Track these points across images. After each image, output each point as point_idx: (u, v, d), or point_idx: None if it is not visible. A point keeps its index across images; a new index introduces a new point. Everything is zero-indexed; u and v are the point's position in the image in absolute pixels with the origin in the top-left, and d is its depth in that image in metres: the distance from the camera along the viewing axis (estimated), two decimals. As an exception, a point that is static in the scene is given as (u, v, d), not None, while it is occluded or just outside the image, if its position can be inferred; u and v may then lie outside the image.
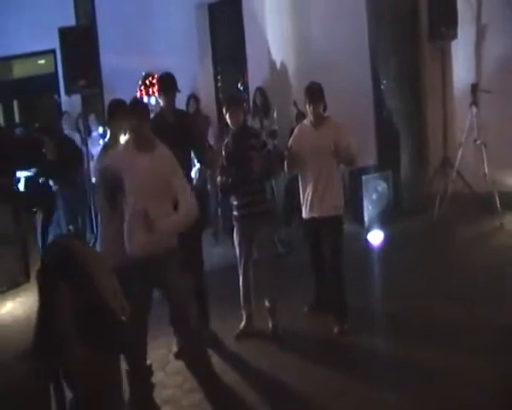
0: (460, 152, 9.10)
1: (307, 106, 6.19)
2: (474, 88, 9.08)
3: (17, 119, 13.19)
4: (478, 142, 8.94)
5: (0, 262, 8.23)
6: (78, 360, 2.87)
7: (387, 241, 8.02)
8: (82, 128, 9.54)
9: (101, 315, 2.90)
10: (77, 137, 9.61)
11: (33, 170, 9.04)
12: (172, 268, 4.97)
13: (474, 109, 8.99)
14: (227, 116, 6.14)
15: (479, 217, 8.80)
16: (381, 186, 9.31)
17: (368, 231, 8.54)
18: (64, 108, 11.14)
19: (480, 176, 8.82)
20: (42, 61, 12.53)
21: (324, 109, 6.28)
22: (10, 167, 8.54)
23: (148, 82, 10.49)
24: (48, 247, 3.95)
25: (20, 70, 13.00)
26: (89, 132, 9.57)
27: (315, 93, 6.17)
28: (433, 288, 6.67)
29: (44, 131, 9.17)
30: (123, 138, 5.40)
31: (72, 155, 9.07)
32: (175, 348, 5.93)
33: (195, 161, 7.39)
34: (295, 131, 6.42)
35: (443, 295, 6.43)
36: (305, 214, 6.33)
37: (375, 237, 7.92)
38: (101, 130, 9.63)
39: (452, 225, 8.73)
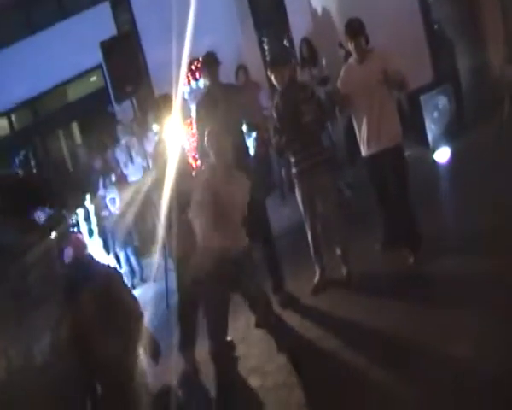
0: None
1: (349, 43, 6.04)
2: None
3: (78, 140, 13.63)
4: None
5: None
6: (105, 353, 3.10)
7: (455, 157, 7.69)
8: (137, 131, 9.72)
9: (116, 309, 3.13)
10: (133, 141, 9.80)
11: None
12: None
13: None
14: (272, 78, 6.16)
15: None
16: (442, 102, 8.91)
17: (434, 151, 8.20)
18: (119, 117, 11.40)
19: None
20: (94, 78, 12.83)
21: (367, 42, 6.08)
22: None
23: (193, 67, 10.50)
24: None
25: (74, 92, 13.33)
26: (147, 135, 9.73)
27: (354, 29, 5.98)
28: (508, 200, 6.16)
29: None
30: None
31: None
32: (253, 318, 5.98)
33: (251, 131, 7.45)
34: (341, 72, 6.27)
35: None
36: (364, 152, 6.18)
37: (442, 156, 7.61)
38: (155, 128, 9.79)
39: None
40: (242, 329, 5.92)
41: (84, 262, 4.85)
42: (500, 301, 4.59)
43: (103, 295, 4.19)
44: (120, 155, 9.90)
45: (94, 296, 4.09)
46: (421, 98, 8.86)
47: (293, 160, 6.19)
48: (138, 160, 9.52)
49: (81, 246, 6.51)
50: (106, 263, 5.81)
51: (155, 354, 4.70)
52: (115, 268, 4.99)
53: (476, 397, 3.79)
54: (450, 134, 8.63)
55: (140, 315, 4.62)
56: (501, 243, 5.43)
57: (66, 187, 10.72)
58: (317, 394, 4.57)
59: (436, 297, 5.13)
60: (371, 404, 4.22)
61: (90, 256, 6.13)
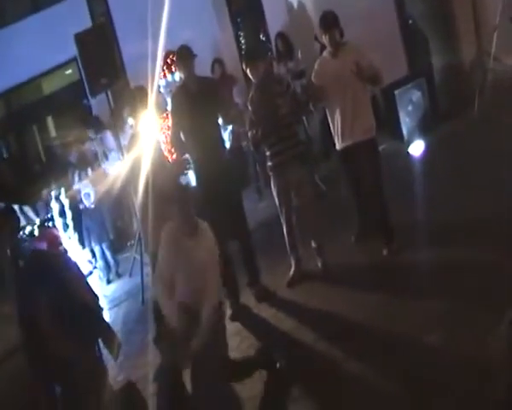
0: (495, 36, 8.62)
1: (323, 36, 6.07)
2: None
3: (53, 133, 13.48)
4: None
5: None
6: (58, 352, 3.04)
7: (429, 150, 7.78)
8: (112, 124, 9.66)
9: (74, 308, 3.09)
10: (108, 136, 9.75)
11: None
12: None
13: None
14: (248, 71, 6.15)
15: None
16: (416, 96, 8.98)
17: (408, 144, 8.27)
18: (94, 111, 11.33)
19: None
20: (69, 71, 12.71)
21: (341, 36, 6.11)
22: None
23: (169, 60, 10.45)
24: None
25: (49, 85, 13.22)
26: (122, 127, 9.67)
27: (328, 22, 6.02)
28: (481, 192, 6.29)
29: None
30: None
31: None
32: (229, 311, 6.00)
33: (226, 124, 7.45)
34: (315, 65, 6.29)
35: (493, 197, 6.03)
36: (338, 145, 6.23)
37: (416, 149, 7.68)
38: (131, 121, 9.76)
39: (495, 119, 8.09)
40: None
41: (45, 256, 4.70)
42: (473, 292, 4.65)
43: (60, 291, 4.06)
44: (97, 149, 9.85)
45: (50, 292, 3.95)
46: (396, 92, 8.92)
47: (268, 153, 6.20)
48: (114, 153, 9.46)
49: (55, 240, 6.47)
50: (72, 259, 5.68)
51: (115, 350, 4.53)
52: (76, 264, 4.83)
53: (449, 386, 3.83)
54: (424, 127, 8.72)
55: (99, 311, 4.53)
56: (473, 235, 5.52)
57: (30, 182, 10.68)
58: (291, 386, 4.57)
59: (410, 288, 5.18)
60: (347, 396, 4.24)
61: (65, 251, 6.10)
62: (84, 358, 3.97)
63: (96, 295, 4.61)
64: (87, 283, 4.69)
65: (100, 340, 4.36)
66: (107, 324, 4.55)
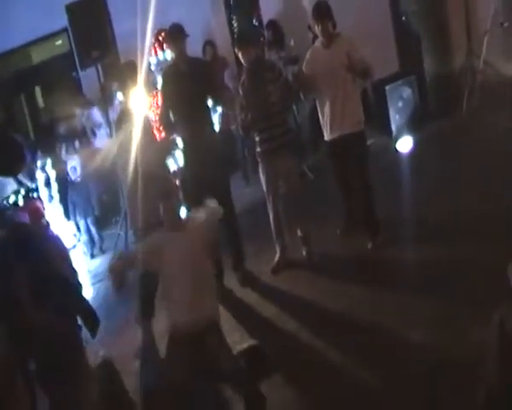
0: (486, 40, 8.71)
1: (316, 26, 6.07)
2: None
3: (40, 104, 13.35)
4: (505, 24, 8.52)
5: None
6: (35, 323, 3.04)
7: (418, 147, 7.86)
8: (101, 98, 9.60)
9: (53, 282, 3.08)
10: (95, 112, 9.70)
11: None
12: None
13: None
14: (239, 55, 6.13)
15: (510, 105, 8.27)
16: (406, 92, 9.04)
17: (397, 140, 8.34)
18: (83, 85, 11.23)
19: (509, 61, 8.44)
20: (59, 42, 12.53)
21: (334, 27, 6.13)
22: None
23: (160, 38, 10.39)
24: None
25: (38, 55, 13.03)
26: (111, 102, 9.61)
27: (321, 12, 6.01)
28: (468, 188, 6.44)
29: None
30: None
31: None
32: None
33: (216, 106, 7.43)
34: (307, 54, 6.30)
35: (479, 193, 6.18)
36: (326, 136, 6.25)
37: (404, 145, 7.75)
38: (120, 96, 9.70)
39: (483, 119, 8.31)
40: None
41: (25, 228, 4.63)
42: (458, 290, 4.73)
43: (39, 264, 4.01)
44: (86, 122, 9.78)
45: (29, 265, 3.91)
46: (387, 88, 8.97)
47: (257, 139, 6.21)
48: (102, 129, 9.41)
49: (38, 213, 6.40)
50: (54, 232, 5.61)
51: (93, 327, 4.38)
52: (58, 237, 4.75)
53: (426, 381, 3.90)
54: (413, 125, 8.79)
55: (78, 287, 4.38)
56: (459, 232, 5.60)
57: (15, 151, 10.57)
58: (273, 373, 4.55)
59: (393, 283, 5.25)
60: (327, 385, 4.28)
61: (47, 223, 6.04)
62: (60, 333, 3.95)
63: (75, 271, 4.56)
64: (68, 257, 4.65)
65: (78, 317, 4.35)
66: (87, 301, 4.52)
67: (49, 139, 9.98)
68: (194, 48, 6.75)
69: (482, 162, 6.83)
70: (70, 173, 8.73)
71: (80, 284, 4.40)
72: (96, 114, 9.69)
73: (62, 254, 4.45)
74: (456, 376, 3.79)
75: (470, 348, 3.87)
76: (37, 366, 3.93)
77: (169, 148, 7.12)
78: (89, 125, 9.72)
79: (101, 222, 9.59)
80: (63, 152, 9.15)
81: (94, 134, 9.60)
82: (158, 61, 10.14)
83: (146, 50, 7.27)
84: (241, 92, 6.20)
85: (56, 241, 4.58)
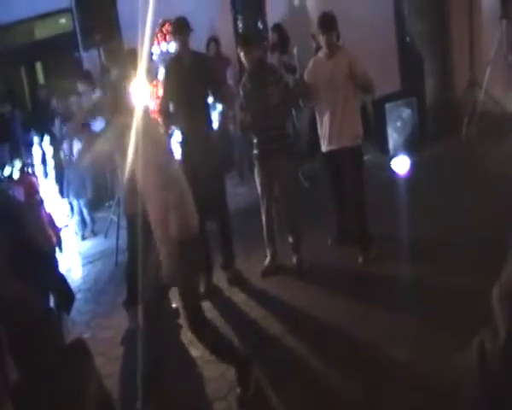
0: (488, 70, 8.81)
1: (320, 36, 6.13)
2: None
3: (41, 80, 13.27)
4: (510, 57, 8.63)
5: None
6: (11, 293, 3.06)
7: (413, 168, 7.91)
8: (102, 81, 9.54)
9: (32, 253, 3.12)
10: (98, 93, 9.61)
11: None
12: None
13: (504, 22, 8.62)
14: (241, 55, 6.13)
15: (509, 137, 8.29)
16: (406, 113, 9.14)
17: (392, 159, 8.40)
18: (84, 66, 11.18)
19: (511, 94, 8.55)
20: (63, 20, 12.48)
21: (338, 38, 6.19)
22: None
23: (164, 29, 10.40)
24: None
25: (41, 31, 12.97)
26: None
27: (327, 23, 6.07)
28: (460, 213, 6.51)
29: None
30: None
31: None
32: (202, 289, 6.06)
33: (216, 103, 7.43)
34: (309, 63, 6.35)
35: (471, 220, 6.25)
36: (324, 147, 6.30)
37: (400, 165, 7.82)
38: (121, 82, 9.67)
39: (481, 148, 8.44)
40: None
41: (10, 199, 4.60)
42: (445, 312, 4.77)
43: (17, 234, 3.99)
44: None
45: (5, 233, 3.89)
46: (387, 106, 9.06)
47: (255, 140, 6.22)
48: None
49: (32, 188, 6.39)
50: (42, 206, 5.58)
51: (66, 304, 4.36)
52: (50, 215, 4.68)
53: (406, 396, 3.94)
54: (411, 145, 8.88)
55: (54, 261, 4.37)
56: (449, 254, 5.70)
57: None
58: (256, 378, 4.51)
59: (381, 299, 5.28)
60: (307, 393, 4.30)
61: (41, 200, 6.03)
62: (33, 307, 3.93)
63: (53, 246, 4.53)
64: (49, 232, 4.62)
65: (52, 292, 4.33)
66: (63, 276, 4.49)
67: (47, 115, 9.92)
68: (197, 43, 6.73)
69: (476, 189, 6.95)
70: (65, 152, 8.67)
71: (56, 260, 4.37)
72: (98, 93, 9.62)
73: (43, 227, 4.42)
74: (435, 395, 3.80)
75: (451, 369, 3.92)
76: (8, 338, 3.89)
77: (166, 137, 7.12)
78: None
79: (95, 205, 9.56)
80: (59, 127, 9.08)
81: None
82: (161, 52, 10.15)
83: (149, 40, 7.27)
84: (241, 93, 6.22)
85: (40, 214, 4.56)
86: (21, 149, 9.67)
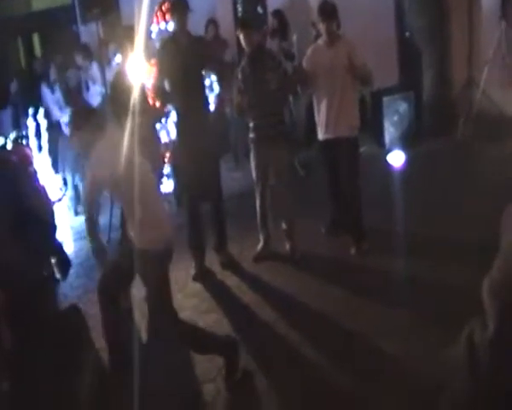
0: (486, 70, 8.82)
1: (320, 25, 6.11)
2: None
3: (38, 52, 13.13)
4: (508, 59, 8.64)
5: None
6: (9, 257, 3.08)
7: (409, 162, 7.92)
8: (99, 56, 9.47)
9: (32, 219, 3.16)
10: (95, 67, 9.55)
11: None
12: None
13: (504, 23, 8.63)
14: (241, 38, 6.09)
15: (504, 138, 8.40)
16: (403, 107, 9.15)
17: (388, 152, 8.40)
18: (83, 39, 11.07)
19: (508, 95, 8.56)
20: (61, -7, 12.40)
21: (338, 27, 6.16)
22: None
23: (164, 8, 10.31)
24: None
25: (39, 2, 12.87)
26: (108, 61, 9.48)
27: (327, 11, 6.04)
28: (454, 209, 6.55)
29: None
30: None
31: None
32: (193, 271, 6.05)
33: (213, 85, 7.38)
34: (308, 50, 6.32)
35: (464, 216, 6.28)
36: (320, 135, 6.29)
37: (396, 159, 7.83)
38: (118, 59, 9.59)
39: (476, 147, 8.49)
40: (182, 280, 5.95)
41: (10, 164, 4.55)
42: (436, 306, 4.81)
43: (16, 200, 3.96)
44: (83, 74, 9.63)
45: (4, 199, 3.86)
46: (384, 99, 9.05)
47: (252, 124, 6.19)
48: (97, 86, 9.27)
49: (26, 159, 6.33)
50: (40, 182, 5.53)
51: (64, 269, 4.40)
52: (44, 188, 4.64)
53: (394, 389, 3.97)
54: (407, 140, 8.89)
55: (53, 228, 4.29)
56: (442, 248, 5.72)
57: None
58: (246, 362, 4.52)
59: (372, 290, 5.30)
60: (298, 380, 4.32)
61: (35, 171, 5.98)
62: (31, 271, 3.92)
63: (52, 212, 4.48)
64: (46, 199, 4.58)
65: (51, 258, 4.31)
66: (61, 243, 4.47)
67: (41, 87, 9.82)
68: (196, 25, 6.64)
69: (470, 186, 7.01)
70: (63, 127, 8.59)
71: (55, 226, 4.34)
72: (95, 69, 9.54)
73: (40, 194, 4.40)
74: (423, 387, 3.81)
75: (440, 361, 3.94)
76: (5, 301, 3.87)
77: (159, 115, 7.09)
78: (85, 79, 9.57)
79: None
80: (52, 100, 9.00)
81: (87, 88, 9.47)
82: (159, 30, 10.06)
83: (148, 18, 7.20)
84: (239, 76, 6.17)
85: (39, 186, 4.52)
86: (20, 120, 9.57)
